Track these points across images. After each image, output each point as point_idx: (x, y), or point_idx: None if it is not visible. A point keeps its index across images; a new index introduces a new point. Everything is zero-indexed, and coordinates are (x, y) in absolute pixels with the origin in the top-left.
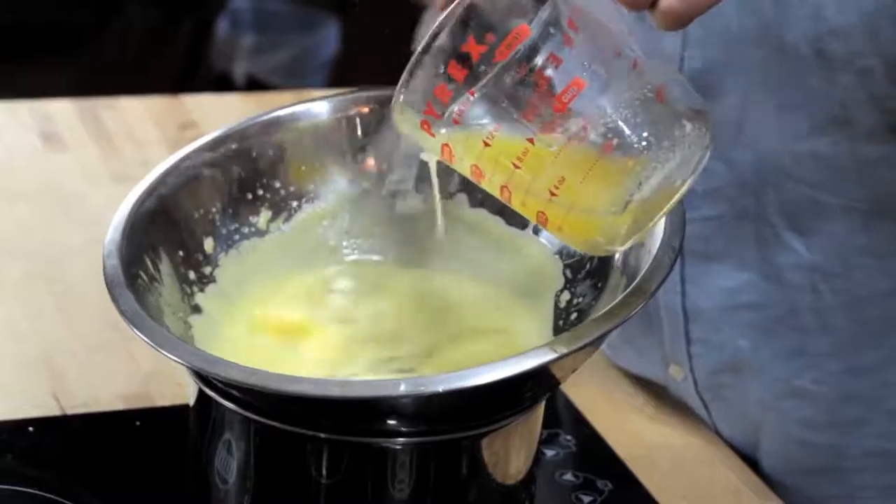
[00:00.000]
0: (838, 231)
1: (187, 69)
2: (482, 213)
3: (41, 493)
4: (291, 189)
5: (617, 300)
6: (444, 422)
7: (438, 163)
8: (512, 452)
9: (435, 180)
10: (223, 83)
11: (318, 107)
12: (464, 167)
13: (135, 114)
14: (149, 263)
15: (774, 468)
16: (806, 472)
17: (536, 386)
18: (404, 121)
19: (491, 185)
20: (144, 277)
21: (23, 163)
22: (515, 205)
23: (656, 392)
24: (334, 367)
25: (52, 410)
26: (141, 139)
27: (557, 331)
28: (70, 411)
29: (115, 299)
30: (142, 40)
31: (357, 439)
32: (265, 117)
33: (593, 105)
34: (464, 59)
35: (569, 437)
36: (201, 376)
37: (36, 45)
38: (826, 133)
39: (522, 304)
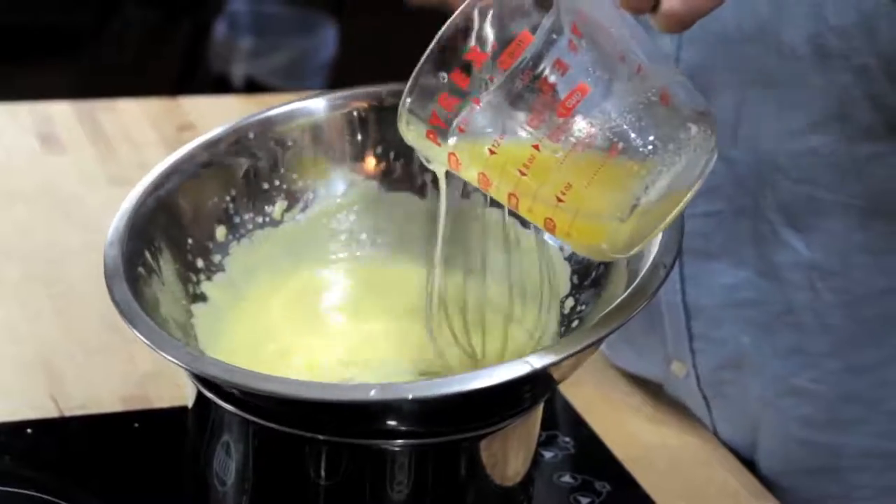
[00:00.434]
0: (836, 229)
1: (185, 71)
2: (497, 214)
3: (39, 494)
4: (308, 180)
5: (616, 302)
6: (442, 424)
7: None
8: (510, 454)
9: (443, 187)
10: (221, 85)
11: (339, 101)
12: (471, 175)
13: (133, 116)
14: (153, 250)
15: (772, 468)
16: (804, 472)
17: (534, 388)
18: (409, 130)
19: (498, 193)
20: (149, 262)
21: (21, 164)
22: (523, 211)
23: (654, 392)
24: (338, 366)
25: (51, 412)
26: (139, 141)
27: (560, 337)
28: (68, 413)
29: (110, 290)
30: (140, 42)
31: (355, 441)
32: (286, 108)
33: (598, 110)
34: (467, 68)
35: (567, 439)
36: (199, 377)
37: (34, 47)
38: (823, 131)
39: (528, 307)
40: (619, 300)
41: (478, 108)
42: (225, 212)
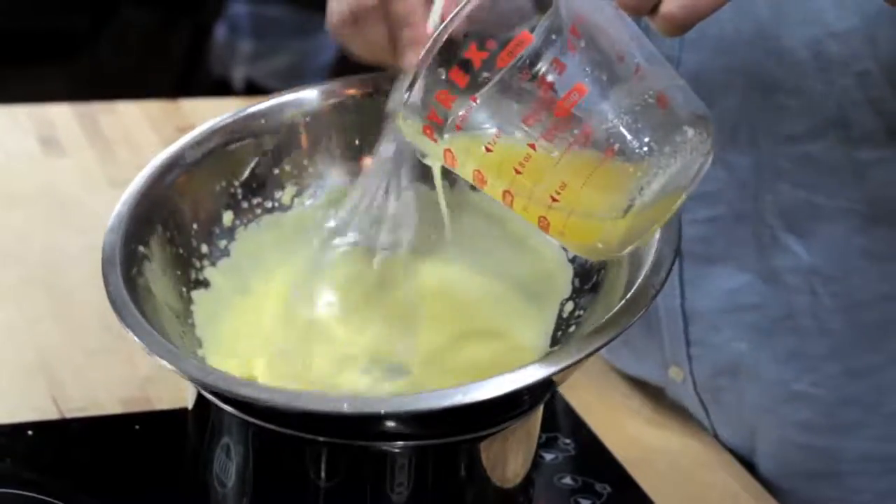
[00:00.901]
0: (836, 234)
1: (185, 74)
2: (504, 207)
3: (40, 496)
4: (318, 167)
5: (616, 308)
6: (442, 426)
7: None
8: (510, 456)
9: (439, 184)
10: (221, 88)
11: (353, 87)
12: (466, 172)
13: (133, 118)
14: (154, 235)
15: (772, 471)
16: (803, 476)
17: (533, 391)
18: (407, 126)
19: (493, 190)
20: (148, 247)
21: (21, 167)
22: (517, 209)
23: (653, 394)
24: (335, 362)
25: (51, 414)
26: (139, 144)
27: (555, 342)
28: (69, 415)
29: (105, 280)
30: (140, 45)
31: (355, 443)
32: (297, 94)
33: (595, 110)
34: (466, 66)
35: (567, 441)
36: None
37: (34, 50)
38: (823, 136)
39: (527, 307)
40: (619, 306)
41: (475, 105)
42: (233, 196)
